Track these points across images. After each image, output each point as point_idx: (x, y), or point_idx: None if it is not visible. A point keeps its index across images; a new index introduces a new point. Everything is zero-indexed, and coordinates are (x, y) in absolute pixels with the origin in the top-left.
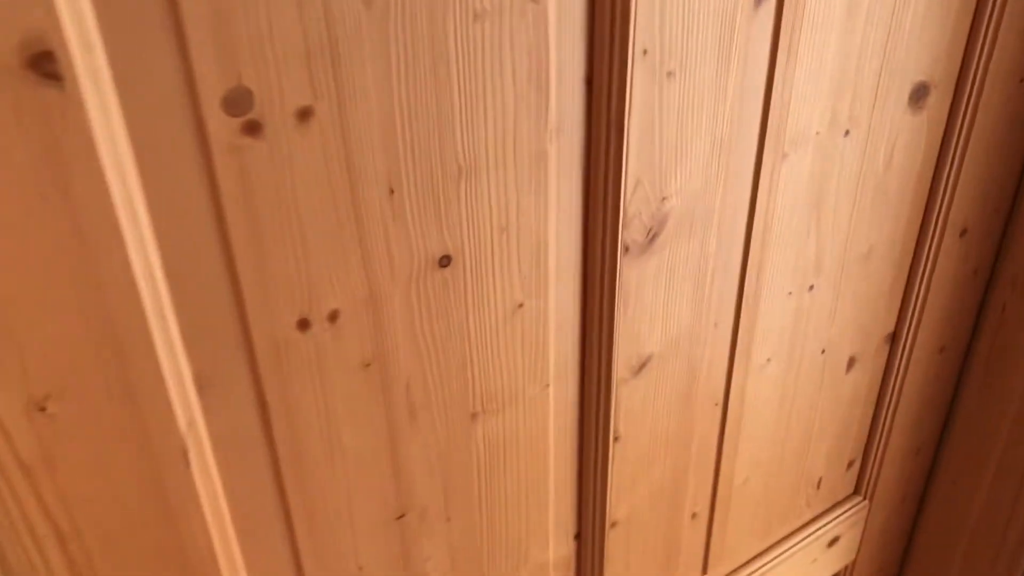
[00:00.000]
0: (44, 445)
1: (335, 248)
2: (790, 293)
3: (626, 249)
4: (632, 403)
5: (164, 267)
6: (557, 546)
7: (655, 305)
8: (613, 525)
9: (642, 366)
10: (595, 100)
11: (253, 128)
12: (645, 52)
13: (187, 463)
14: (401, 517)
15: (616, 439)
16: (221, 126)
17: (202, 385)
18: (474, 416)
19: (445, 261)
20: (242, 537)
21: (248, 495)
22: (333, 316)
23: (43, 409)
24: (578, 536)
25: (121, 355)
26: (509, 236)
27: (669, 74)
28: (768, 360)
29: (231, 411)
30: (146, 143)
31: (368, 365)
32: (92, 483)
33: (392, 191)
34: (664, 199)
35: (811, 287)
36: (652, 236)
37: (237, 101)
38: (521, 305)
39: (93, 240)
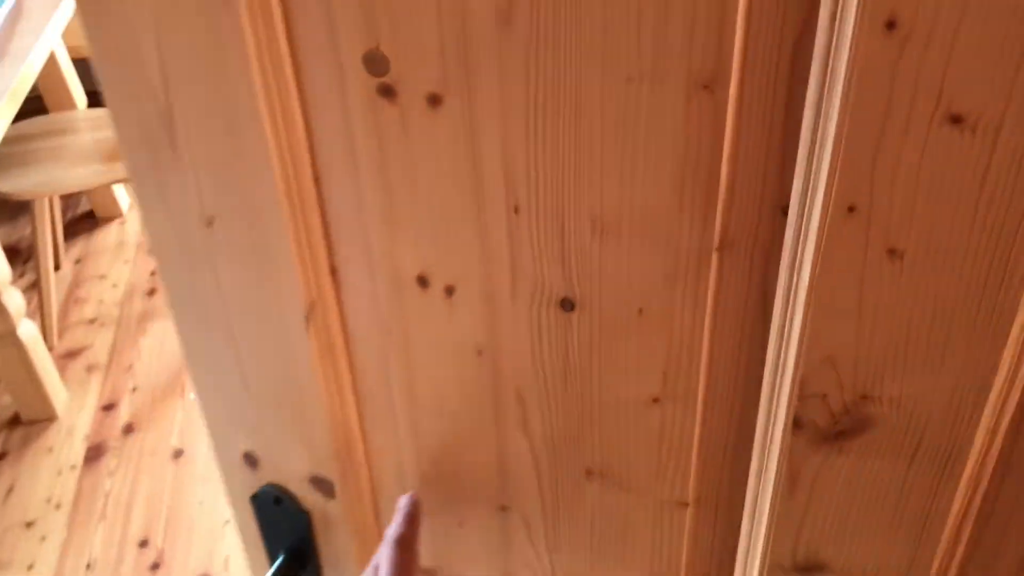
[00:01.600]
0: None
1: (457, 232)
2: None
3: (798, 424)
4: None
5: (312, 164)
6: None
7: (846, 514)
8: None
9: (812, 570)
10: (786, 238)
11: (388, 91)
12: (851, 209)
13: None
14: (504, 509)
15: None
16: (360, 79)
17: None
18: (589, 473)
19: (568, 305)
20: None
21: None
22: (449, 289)
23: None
24: None
25: (255, 210)
26: (648, 320)
27: (891, 252)
28: None
29: (362, 299)
30: (303, 61)
31: (480, 353)
32: None
33: (517, 210)
34: (865, 398)
35: None
36: (840, 431)
37: (376, 62)
38: (656, 400)
39: (234, 99)
